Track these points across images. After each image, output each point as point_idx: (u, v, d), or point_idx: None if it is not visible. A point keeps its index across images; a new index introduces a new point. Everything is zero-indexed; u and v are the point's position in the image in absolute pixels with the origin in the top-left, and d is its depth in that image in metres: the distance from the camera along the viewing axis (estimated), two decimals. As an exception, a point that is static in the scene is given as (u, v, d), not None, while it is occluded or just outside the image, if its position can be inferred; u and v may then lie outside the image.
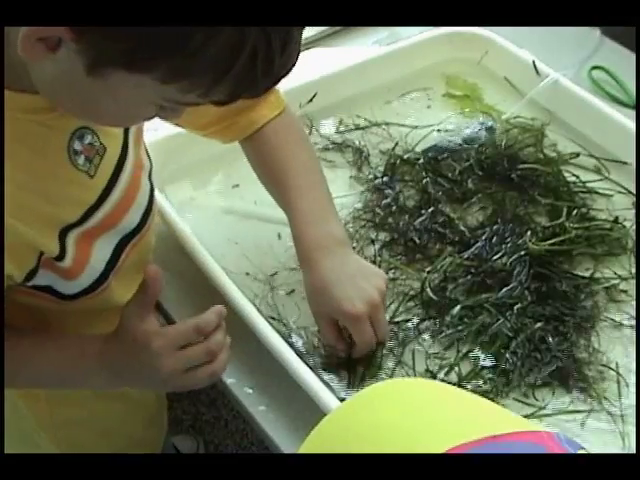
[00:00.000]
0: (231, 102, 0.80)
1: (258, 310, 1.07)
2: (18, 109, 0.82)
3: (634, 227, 1.21)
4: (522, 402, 1.04)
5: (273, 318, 1.10)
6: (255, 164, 1.15)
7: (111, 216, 0.95)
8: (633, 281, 1.16)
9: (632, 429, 1.01)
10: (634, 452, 0.97)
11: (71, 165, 0.89)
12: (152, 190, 1.04)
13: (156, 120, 0.89)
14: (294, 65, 0.79)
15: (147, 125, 1.01)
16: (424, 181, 1.26)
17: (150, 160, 1.05)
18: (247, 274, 1.16)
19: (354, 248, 1.17)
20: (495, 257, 1.16)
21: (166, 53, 0.72)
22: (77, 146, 0.89)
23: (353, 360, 1.06)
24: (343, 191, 1.27)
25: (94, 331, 1.02)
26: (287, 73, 0.79)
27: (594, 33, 1.55)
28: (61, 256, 0.89)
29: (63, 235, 0.89)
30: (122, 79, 0.75)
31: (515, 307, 1.11)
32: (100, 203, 0.93)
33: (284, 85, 1.31)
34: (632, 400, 1.04)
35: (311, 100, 1.36)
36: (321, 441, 0.57)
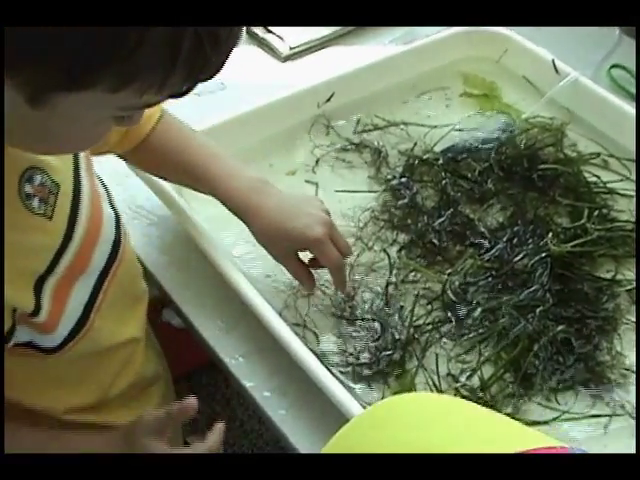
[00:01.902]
0: (190, 89, 0.76)
1: (280, 316, 1.06)
2: None
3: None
4: (544, 406, 1.03)
5: (297, 324, 1.09)
6: (158, 160, 1.11)
7: (80, 256, 0.90)
8: (655, 282, 1.15)
9: (656, 433, 1.00)
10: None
11: (27, 211, 0.84)
12: (117, 216, 0.99)
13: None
14: (242, 32, 0.75)
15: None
16: (443, 182, 1.25)
17: (106, 187, 1.00)
18: (267, 276, 1.15)
19: (371, 249, 1.16)
20: (516, 259, 1.15)
21: (103, 61, 0.68)
22: (28, 189, 0.84)
23: (377, 364, 1.05)
24: (361, 192, 1.26)
25: (99, 375, 1.02)
26: (237, 41, 0.75)
27: (613, 31, 1.54)
28: (36, 311, 0.85)
29: (38, 288, 0.85)
30: (70, 102, 0.71)
31: (537, 310, 1.09)
32: (66, 245, 0.88)
33: (301, 85, 1.34)
34: (655, 404, 1.03)
35: (329, 100, 1.35)
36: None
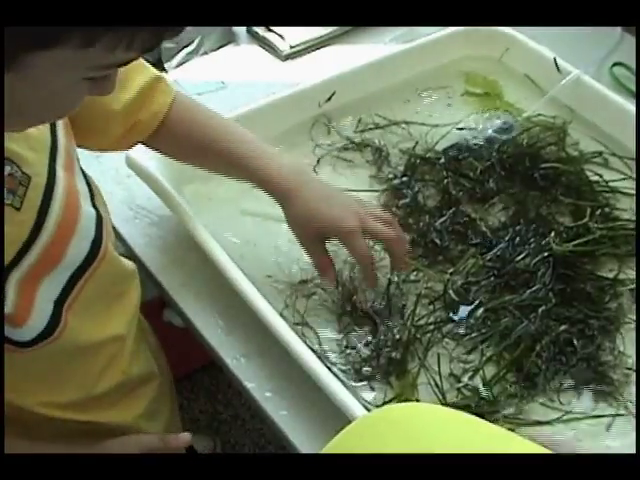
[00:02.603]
0: (158, 44, 0.73)
1: (281, 316, 1.05)
2: None
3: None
4: (547, 406, 1.03)
5: (298, 324, 1.09)
6: (174, 149, 1.12)
7: (50, 251, 0.88)
8: (658, 282, 1.14)
9: (659, 433, 1.00)
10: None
11: None
12: (100, 217, 0.97)
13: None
14: None
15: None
16: (445, 181, 1.24)
17: (91, 187, 0.99)
18: (268, 277, 1.14)
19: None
20: (518, 258, 1.14)
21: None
22: None
23: (378, 364, 1.05)
24: (363, 191, 1.25)
25: (80, 373, 1.00)
26: None
27: (615, 30, 1.54)
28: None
29: (5, 278, 0.83)
30: (42, 63, 0.70)
31: (539, 309, 1.09)
32: (34, 238, 0.86)
33: (302, 84, 1.33)
34: (659, 404, 1.03)
35: (329, 99, 1.35)
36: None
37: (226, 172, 1.14)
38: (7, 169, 0.84)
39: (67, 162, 0.93)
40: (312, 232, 1.07)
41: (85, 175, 0.99)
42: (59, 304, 0.91)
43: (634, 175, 1.27)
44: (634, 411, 1.02)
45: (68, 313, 0.92)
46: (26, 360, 0.92)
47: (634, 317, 1.11)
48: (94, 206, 0.97)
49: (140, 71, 1.06)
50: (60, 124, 0.94)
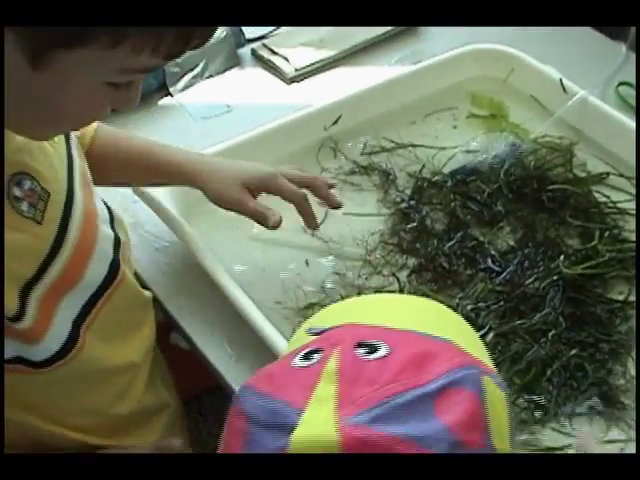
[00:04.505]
0: (183, 50, 0.74)
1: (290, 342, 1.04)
2: None
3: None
4: (559, 431, 1.02)
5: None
6: (102, 165, 1.09)
7: (70, 269, 0.89)
8: (669, 305, 1.13)
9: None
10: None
11: (15, 212, 0.83)
12: (117, 240, 0.99)
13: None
14: None
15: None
16: (452, 204, 1.24)
17: (111, 211, 1.01)
18: (277, 303, 1.14)
19: (380, 273, 1.15)
20: (527, 282, 1.14)
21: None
22: (17, 192, 0.83)
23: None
24: (370, 215, 1.25)
25: (94, 399, 1.00)
26: None
27: (619, 48, 1.53)
28: (20, 315, 0.83)
29: (25, 294, 0.84)
30: (68, 62, 0.71)
31: (549, 333, 1.08)
32: (55, 253, 0.87)
33: (308, 108, 1.33)
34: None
35: (336, 122, 1.34)
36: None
37: (148, 182, 1.16)
38: (27, 184, 0.85)
39: (83, 182, 0.95)
40: (238, 192, 1.10)
41: (103, 201, 1.00)
42: (77, 325, 0.92)
43: (641, 195, 1.27)
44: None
45: (86, 334, 0.93)
46: (41, 383, 0.91)
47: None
48: (113, 229, 0.99)
49: None
50: (73, 145, 0.96)
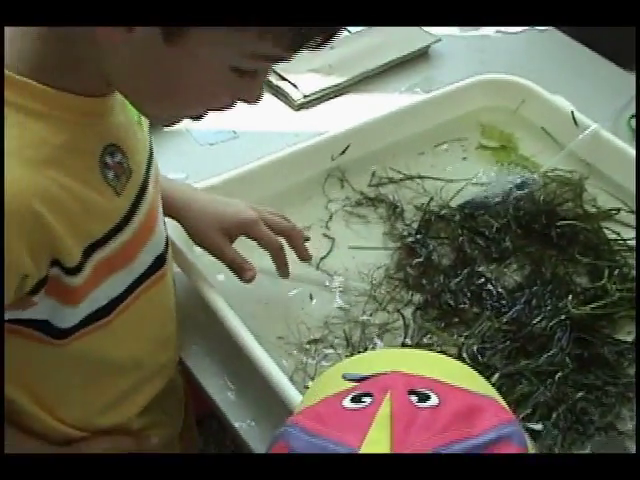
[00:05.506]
0: (305, 44, 0.77)
1: (291, 380, 1.04)
2: (57, 106, 0.81)
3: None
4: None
5: (308, 388, 1.06)
6: None
7: (128, 247, 0.92)
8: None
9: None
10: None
11: (101, 175, 0.86)
12: (167, 239, 1.03)
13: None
14: None
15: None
16: (460, 239, 1.22)
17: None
18: (279, 338, 1.12)
19: (385, 309, 1.14)
20: (534, 321, 1.12)
21: None
22: (108, 160, 0.87)
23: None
24: (376, 249, 1.23)
25: (79, 403, 1.00)
26: None
27: (630, 79, 1.51)
28: (77, 269, 0.85)
29: (87, 253, 0.86)
30: (199, 39, 0.74)
31: (556, 375, 1.06)
32: (121, 227, 0.90)
33: (315, 137, 1.32)
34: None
35: (343, 152, 1.33)
36: None
37: None
38: (118, 156, 0.88)
39: (155, 177, 0.99)
40: (216, 235, 1.11)
41: None
42: (113, 303, 0.93)
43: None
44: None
45: (117, 316, 0.94)
46: (48, 358, 0.93)
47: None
48: (165, 226, 1.03)
49: None
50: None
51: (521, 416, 1.03)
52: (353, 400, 0.61)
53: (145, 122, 0.97)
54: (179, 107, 0.87)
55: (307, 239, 1.19)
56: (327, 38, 0.78)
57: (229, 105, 0.87)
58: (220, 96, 0.85)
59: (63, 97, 0.81)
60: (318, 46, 0.78)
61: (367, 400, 0.60)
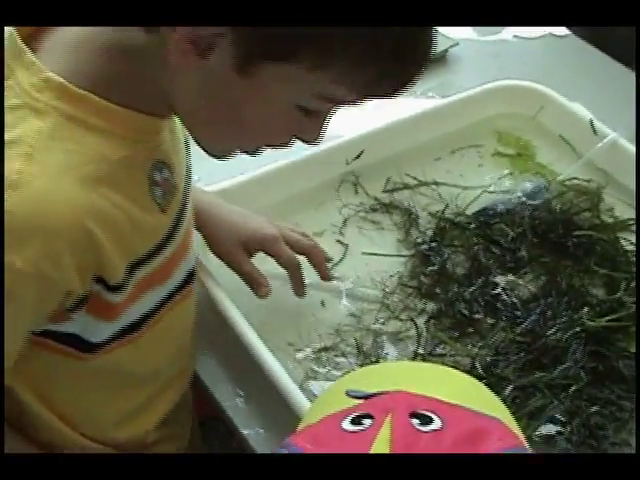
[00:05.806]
0: (375, 94, 0.78)
1: (301, 387, 1.03)
2: (119, 123, 0.81)
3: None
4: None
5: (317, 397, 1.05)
6: None
7: (168, 265, 0.92)
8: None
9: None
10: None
11: (149, 192, 0.86)
12: (197, 258, 1.03)
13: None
14: (435, 44, 0.79)
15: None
16: (475, 248, 1.21)
17: None
18: (289, 344, 1.11)
19: (398, 317, 1.12)
20: (549, 333, 1.10)
21: (309, 35, 0.72)
22: (157, 176, 0.87)
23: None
24: (389, 255, 1.22)
25: (97, 416, 0.99)
26: (429, 54, 0.78)
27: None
28: (120, 287, 0.85)
29: (131, 270, 0.86)
30: (271, 74, 0.75)
31: (570, 389, 1.05)
32: (165, 243, 0.90)
33: (330, 141, 1.30)
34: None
35: (358, 157, 1.31)
36: None
37: None
38: (165, 172, 0.88)
39: (190, 197, 0.99)
40: (235, 247, 1.10)
41: None
42: (145, 318, 0.93)
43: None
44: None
45: (146, 332, 0.93)
46: (72, 373, 0.92)
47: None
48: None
49: None
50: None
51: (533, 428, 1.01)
52: (353, 422, 0.59)
53: (182, 134, 0.96)
54: (237, 138, 0.87)
55: (329, 260, 1.17)
56: (401, 86, 0.78)
57: (285, 143, 0.87)
58: (281, 132, 0.85)
59: (126, 114, 0.81)
60: (389, 95, 0.79)
61: (367, 422, 0.59)
